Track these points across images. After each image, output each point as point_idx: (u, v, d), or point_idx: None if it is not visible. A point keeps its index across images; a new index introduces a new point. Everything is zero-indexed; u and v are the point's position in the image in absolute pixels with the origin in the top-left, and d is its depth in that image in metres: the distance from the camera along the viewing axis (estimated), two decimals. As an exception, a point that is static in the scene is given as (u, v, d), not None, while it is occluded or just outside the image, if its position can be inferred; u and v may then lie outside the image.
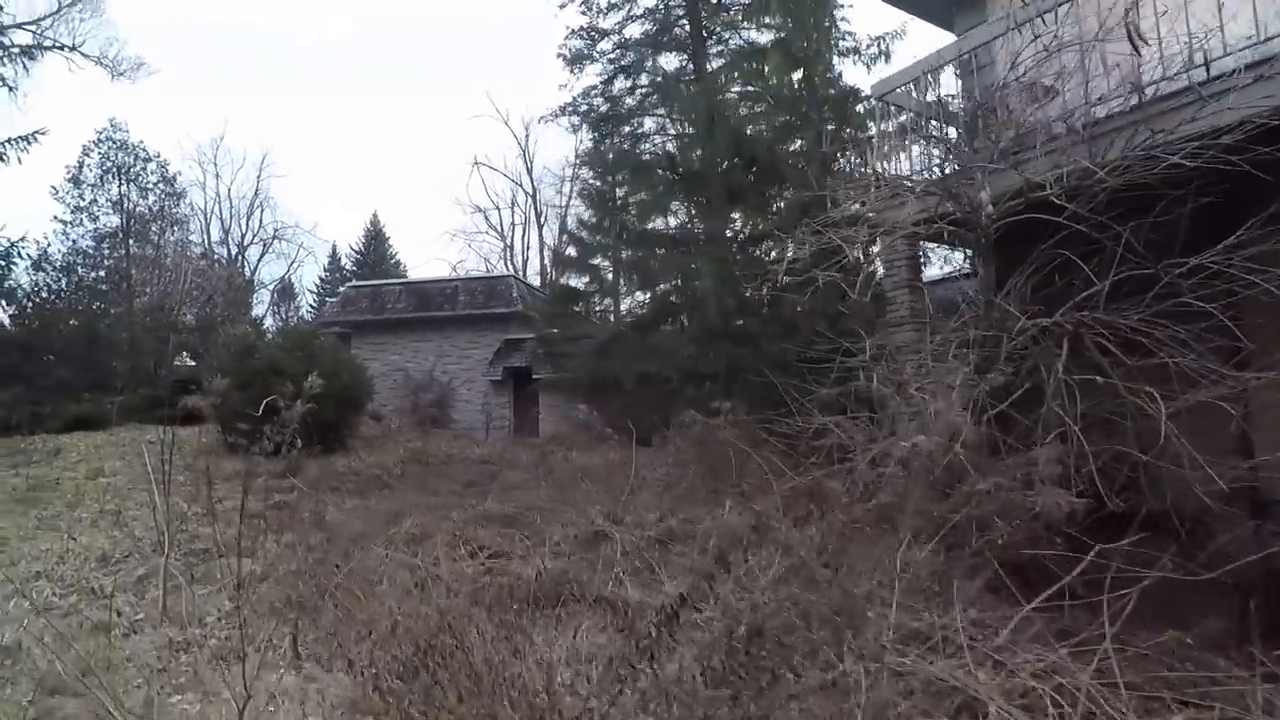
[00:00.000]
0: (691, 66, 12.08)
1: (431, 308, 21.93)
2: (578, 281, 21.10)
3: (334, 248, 46.70)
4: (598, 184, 20.74)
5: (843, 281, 5.80)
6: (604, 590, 3.56)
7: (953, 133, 6.67)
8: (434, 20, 56.08)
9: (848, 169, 7.26)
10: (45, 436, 15.64)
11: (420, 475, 12.91)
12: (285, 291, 46.05)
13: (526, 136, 41.20)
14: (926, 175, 5.93)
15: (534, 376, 21.42)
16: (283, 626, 4.91)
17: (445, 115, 61.25)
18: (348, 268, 47.90)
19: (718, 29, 12.11)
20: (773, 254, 7.24)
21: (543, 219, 38.53)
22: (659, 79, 12.57)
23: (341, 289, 24.86)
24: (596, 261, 20.78)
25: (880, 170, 6.44)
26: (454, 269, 35.78)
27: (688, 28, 12.25)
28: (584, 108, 15.68)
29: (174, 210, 21.60)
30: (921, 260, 5.99)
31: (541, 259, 37.40)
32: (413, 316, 21.82)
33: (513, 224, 40.77)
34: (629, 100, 15.09)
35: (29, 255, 9.60)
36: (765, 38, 11.50)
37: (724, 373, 6.71)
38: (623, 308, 20.65)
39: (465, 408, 21.92)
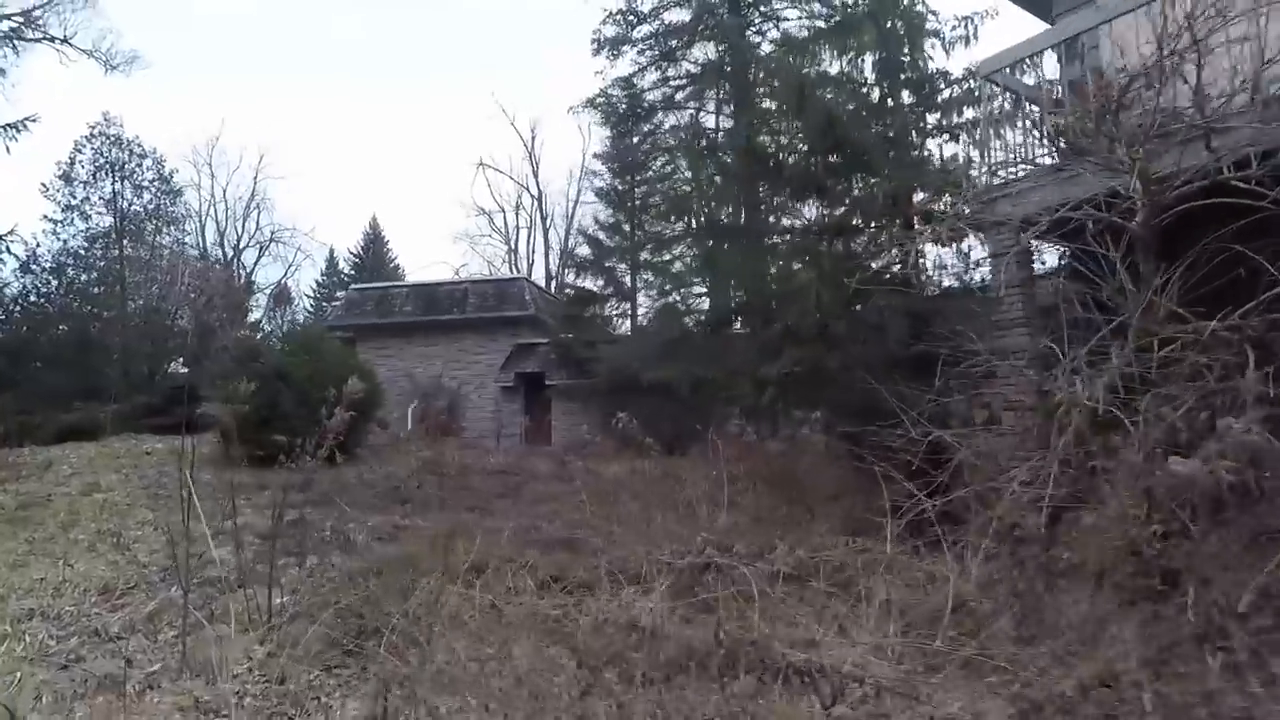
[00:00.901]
0: (729, 58, 11.45)
1: (440, 311, 21.13)
2: (592, 284, 20.44)
3: (331, 251, 45.85)
4: (616, 182, 20.15)
5: (961, 276, 5.06)
6: (782, 650, 2.81)
7: (1051, 116, 6.00)
8: (438, 20, 55.40)
9: (938, 155, 6.64)
10: (35, 448, 14.75)
11: (438, 487, 12.09)
12: (282, 295, 45.03)
13: (533, 138, 40.66)
14: (1053, 159, 5.24)
15: (548, 382, 20.69)
16: (328, 679, 4.15)
17: (448, 117, 60.55)
18: (346, 271, 47.03)
19: (757, 20, 11.49)
20: (854, 246, 6.56)
21: (549, 222, 37.78)
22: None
23: (345, 291, 24.07)
24: (612, 263, 20.14)
25: (981, 155, 5.71)
26: (457, 272, 35.03)
27: (725, 15, 11.62)
28: (602, 100, 14.97)
29: (170, 209, 20.77)
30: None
31: (547, 263, 36.71)
32: (420, 320, 21.03)
33: (517, 227, 39.99)
34: (655, 95, 14.45)
35: (16, 256, 8.88)
36: (807, 25, 10.92)
37: (804, 379, 6.02)
38: (641, 309, 19.98)
39: (475, 415, 21.12)
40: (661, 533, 6.28)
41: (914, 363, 5.06)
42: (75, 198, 19.01)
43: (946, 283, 5.91)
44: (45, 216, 18.62)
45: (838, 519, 6.48)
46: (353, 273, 47.18)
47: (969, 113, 6.30)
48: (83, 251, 18.86)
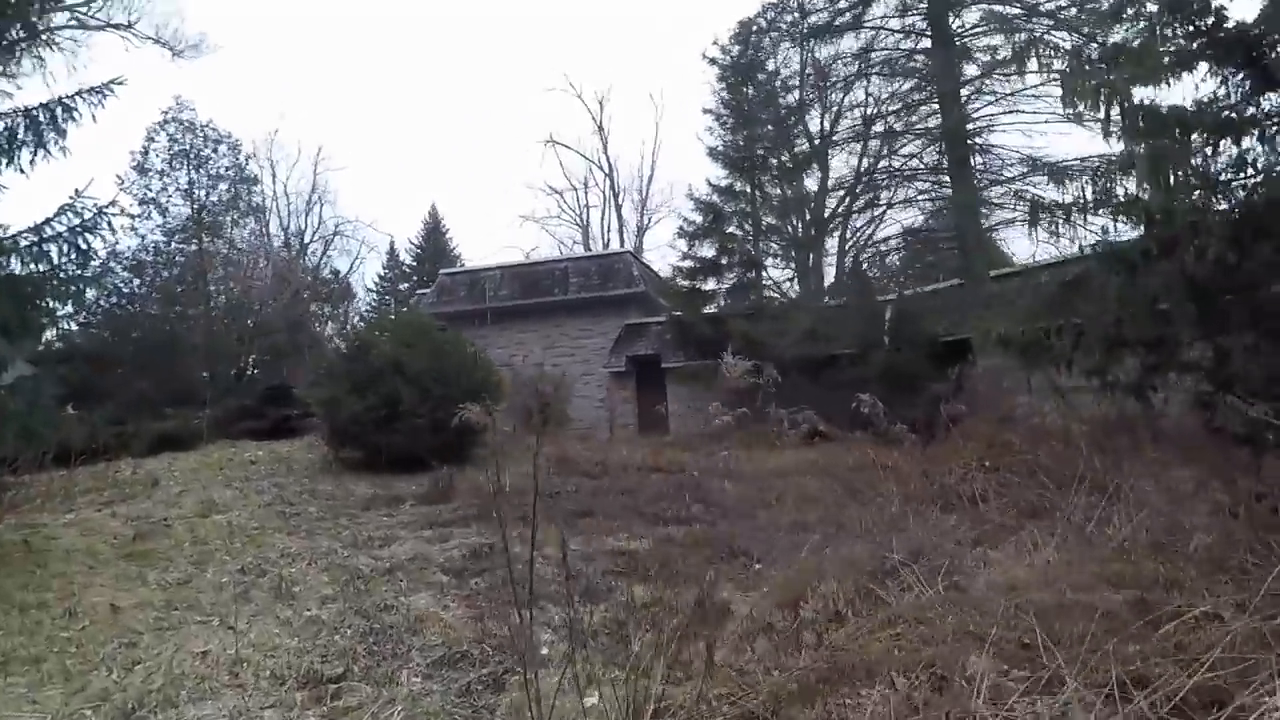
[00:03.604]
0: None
1: (540, 293, 19.32)
2: (709, 251, 18.30)
3: (392, 243, 44.64)
4: (732, 139, 17.94)
5: None
6: None
7: None
8: None
9: None
10: (133, 461, 13.37)
11: (596, 494, 10.19)
12: (345, 290, 43.98)
13: (601, 110, 38.17)
14: None
15: (664, 365, 18.73)
16: None
17: (509, 95, 58.58)
18: (407, 262, 45.81)
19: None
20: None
21: (621, 198, 35.75)
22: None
23: (434, 280, 22.41)
24: (733, 228, 18.00)
25: None
26: (527, 256, 33.19)
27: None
28: (765, 19, 12.76)
29: (247, 198, 19.28)
30: None
31: (622, 240, 34.69)
32: (520, 304, 19.25)
33: (587, 206, 38.02)
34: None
35: (110, 230, 7.27)
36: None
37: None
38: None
39: (581, 404, 19.31)
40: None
41: None
42: (151, 189, 17.59)
43: None
44: (123, 211, 17.19)
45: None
46: (413, 263, 45.99)
47: None
48: (162, 246, 17.52)
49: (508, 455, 14.85)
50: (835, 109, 18.39)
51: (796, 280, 23.06)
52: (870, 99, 14.12)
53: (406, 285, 44.29)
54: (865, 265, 23.08)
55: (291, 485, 11.35)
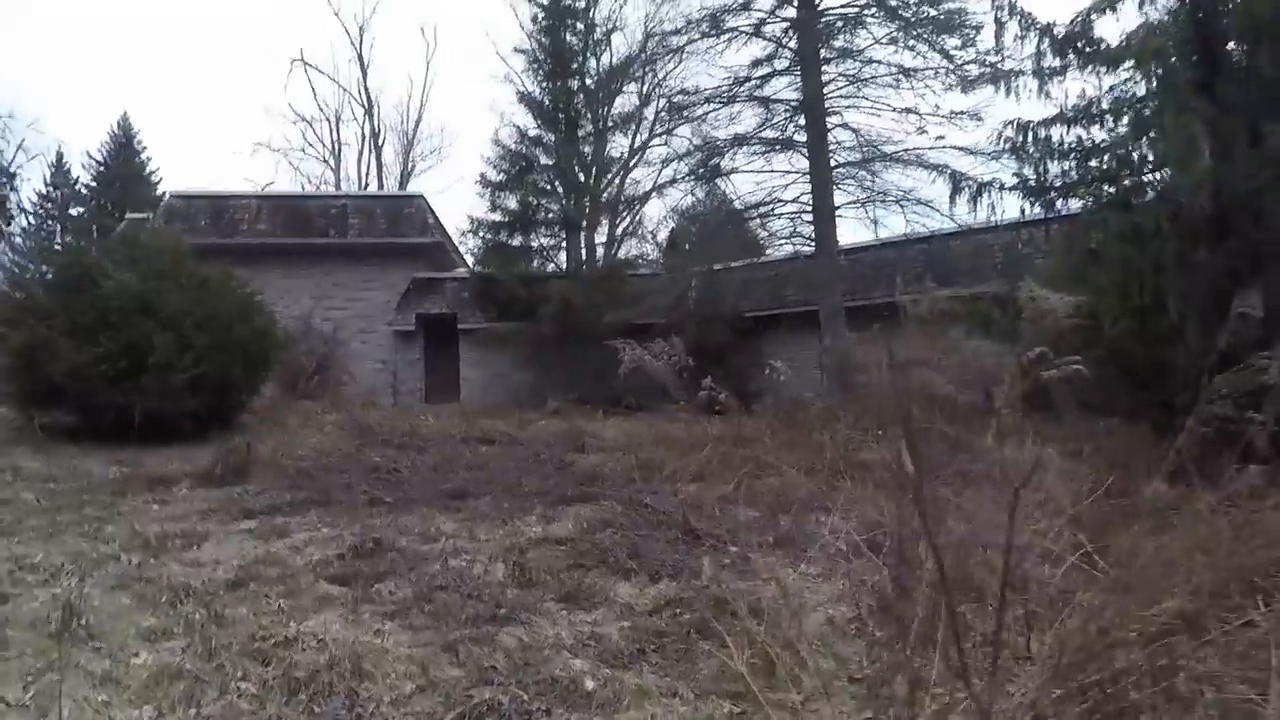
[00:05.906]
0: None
1: (311, 232, 16.25)
2: (513, 201, 16.94)
3: (60, 155, 34.78)
4: (546, 84, 16.58)
5: None
6: None
7: None
8: None
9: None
10: None
11: (440, 470, 8.75)
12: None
13: (361, 37, 32.88)
14: None
15: (461, 326, 16.93)
16: None
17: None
18: (85, 181, 36.27)
19: None
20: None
21: (382, 139, 31.97)
22: None
23: (168, 195, 17.52)
24: (544, 182, 16.83)
25: None
26: (262, 190, 28.08)
27: None
28: None
29: None
30: None
31: (381, 184, 31.06)
32: (282, 243, 15.99)
33: (339, 141, 33.19)
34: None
35: None
36: None
37: None
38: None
39: (359, 365, 16.80)
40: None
41: None
42: None
43: None
44: None
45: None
46: (93, 183, 36.51)
47: None
48: None
49: (281, 424, 12.31)
50: (667, 72, 17.50)
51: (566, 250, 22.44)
52: (702, 68, 13.97)
53: (84, 209, 35.07)
54: (632, 242, 23.32)
55: (-20, 464, 8.02)
